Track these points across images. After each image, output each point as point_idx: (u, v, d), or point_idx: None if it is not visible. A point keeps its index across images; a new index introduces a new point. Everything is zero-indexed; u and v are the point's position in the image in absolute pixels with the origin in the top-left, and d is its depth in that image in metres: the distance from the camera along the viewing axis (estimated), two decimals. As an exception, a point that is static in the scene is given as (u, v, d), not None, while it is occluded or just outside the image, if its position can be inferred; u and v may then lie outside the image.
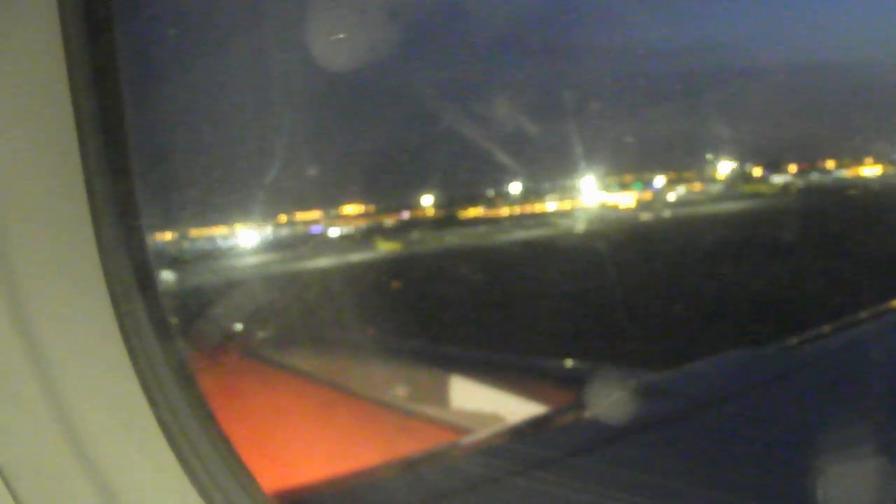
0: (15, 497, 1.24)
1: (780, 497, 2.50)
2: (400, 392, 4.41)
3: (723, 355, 4.44)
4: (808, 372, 3.83)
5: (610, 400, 3.37)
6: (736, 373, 3.89)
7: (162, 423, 1.39)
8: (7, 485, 1.24)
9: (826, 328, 4.66)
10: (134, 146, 1.44)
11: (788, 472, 2.59)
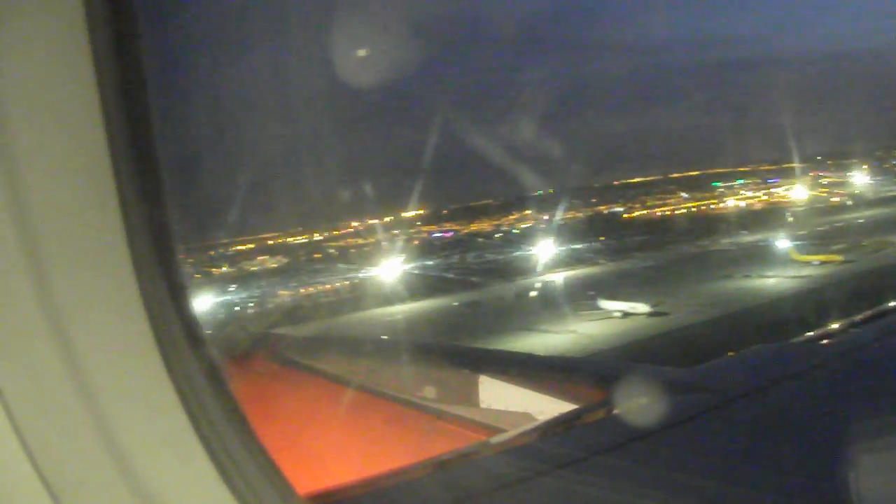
0: None
1: (811, 491, 2.48)
2: (429, 393, 4.44)
3: (749, 350, 4.40)
4: (834, 366, 3.78)
5: (638, 397, 3.36)
6: (762, 367, 3.85)
7: (197, 429, 1.43)
8: (53, 497, 1.29)
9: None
10: (166, 166, 1.49)
11: (818, 467, 2.57)
